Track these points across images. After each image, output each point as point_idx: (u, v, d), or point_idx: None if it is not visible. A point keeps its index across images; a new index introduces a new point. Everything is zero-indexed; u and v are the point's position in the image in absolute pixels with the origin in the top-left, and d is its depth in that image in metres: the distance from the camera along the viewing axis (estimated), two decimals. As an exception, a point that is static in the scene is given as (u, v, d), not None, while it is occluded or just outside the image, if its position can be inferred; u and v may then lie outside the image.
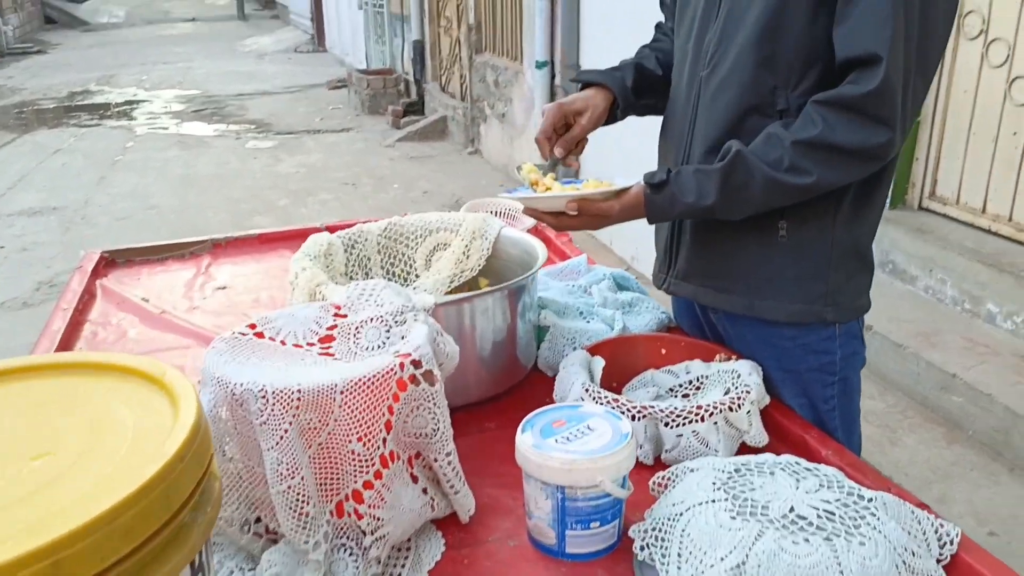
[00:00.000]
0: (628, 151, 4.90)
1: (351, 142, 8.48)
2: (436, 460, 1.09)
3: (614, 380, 1.47)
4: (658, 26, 1.65)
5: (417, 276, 1.66)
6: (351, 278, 1.60)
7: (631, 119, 1.60)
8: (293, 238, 2.26)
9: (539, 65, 5.67)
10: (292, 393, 0.97)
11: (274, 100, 10.86)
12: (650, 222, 1.35)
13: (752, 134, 1.28)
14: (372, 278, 1.62)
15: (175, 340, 1.73)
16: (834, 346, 1.38)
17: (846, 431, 1.43)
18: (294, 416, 0.97)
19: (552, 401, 1.41)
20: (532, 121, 6.06)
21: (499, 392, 1.47)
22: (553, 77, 5.70)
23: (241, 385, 0.99)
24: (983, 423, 2.48)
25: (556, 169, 1.51)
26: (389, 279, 1.65)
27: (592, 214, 1.33)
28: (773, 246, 1.34)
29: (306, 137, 8.75)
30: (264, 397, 0.97)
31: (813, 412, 1.41)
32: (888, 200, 1.25)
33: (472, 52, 7.52)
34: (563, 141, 1.48)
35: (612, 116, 1.53)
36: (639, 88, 1.52)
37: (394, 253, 1.66)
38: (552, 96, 5.76)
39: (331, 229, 2.25)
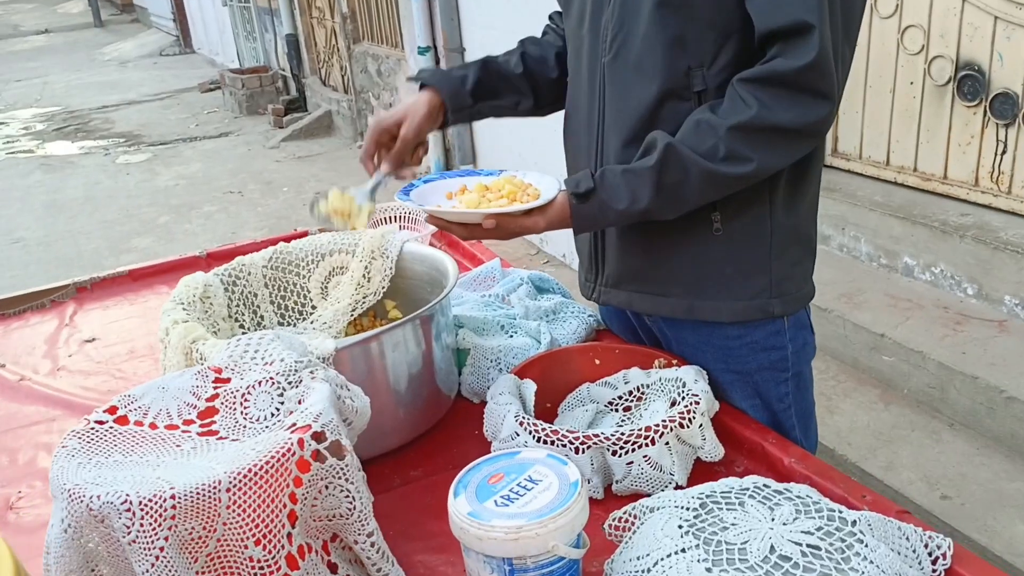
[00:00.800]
0: (531, 142, 4.77)
1: (232, 147, 8.05)
2: (356, 543, 0.92)
3: (548, 400, 1.33)
4: (551, 17, 1.50)
5: (314, 307, 1.46)
6: (237, 320, 1.39)
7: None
8: (170, 271, 2.02)
9: (422, 51, 5.46)
10: (165, 500, 0.78)
11: (143, 109, 10.23)
12: (577, 233, 1.22)
13: (670, 120, 1.15)
14: (261, 317, 1.42)
15: (38, 412, 1.49)
16: (784, 340, 1.27)
17: (803, 428, 1.33)
18: (171, 529, 0.78)
19: (481, 434, 1.25)
20: (420, 109, 5.84)
21: (422, 432, 1.30)
22: (438, 62, 5.50)
23: (99, 498, 0.79)
24: (917, 380, 2.47)
25: (378, 189, 1.35)
26: (282, 315, 1.45)
27: (510, 230, 1.18)
28: (708, 241, 1.22)
29: (182, 146, 8.26)
30: (129, 510, 0.78)
31: (767, 413, 1.30)
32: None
33: (350, 42, 7.22)
34: (390, 157, 1.33)
35: (446, 119, 1.37)
36: (484, 89, 1.37)
37: (284, 284, 1.46)
38: (438, 81, 5.56)
39: (212, 256, 2.04)
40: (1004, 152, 2.70)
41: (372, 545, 0.92)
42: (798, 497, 0.96)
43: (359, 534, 0.91)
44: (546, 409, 1.32)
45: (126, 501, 0.78)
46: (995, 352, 2.40)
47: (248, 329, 1.40)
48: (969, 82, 2.74)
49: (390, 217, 2.04)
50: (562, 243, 4.49)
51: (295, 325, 1.44)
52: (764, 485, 0.99)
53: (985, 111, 2.72)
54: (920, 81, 2.90)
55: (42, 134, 9.43)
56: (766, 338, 1.27)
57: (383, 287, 1.42)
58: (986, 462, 2.22)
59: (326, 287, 1.47)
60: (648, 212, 1.13)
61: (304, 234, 2.04)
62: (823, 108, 1.05)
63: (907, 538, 0.93)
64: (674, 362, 1.32)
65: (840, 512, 0.93)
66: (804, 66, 1.02)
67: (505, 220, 1.16)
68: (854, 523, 0.91)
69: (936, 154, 2.92)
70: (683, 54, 1.13)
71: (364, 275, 1.43)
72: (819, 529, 0.90)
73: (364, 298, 1.41)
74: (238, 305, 1.40)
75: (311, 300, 1.47)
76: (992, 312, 2.61)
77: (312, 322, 1.41)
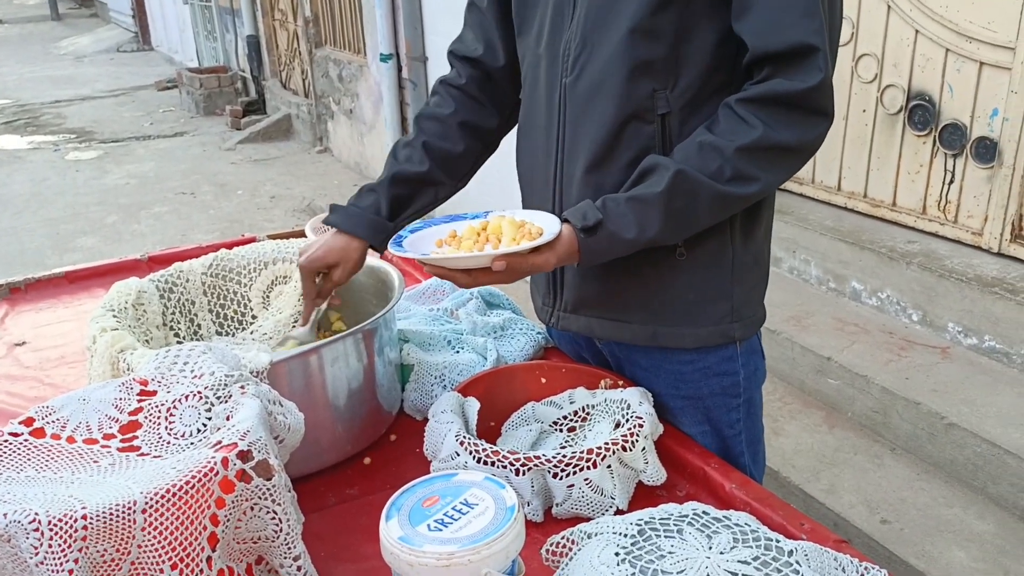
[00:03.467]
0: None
1: (187, 147, 7.89)
2: (282, 566, 0.89)
3: (491, 419, 1.31)
4: (451, 58, 1.42)
5: (255, 317, 1.42)
6: (172, 329, 1.35)
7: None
8: (109, 274, 1.95)
9: (383, 58, 5.42)
10: (76, 521, 0.74)
11: (96, 105, 9.99)
12: (585, 266, 1.15)
13: (633, 143, 1.14)
14: (199, 326, 1.38)
15: (-42, 418, 1.42)
16: (736, 366, 1.27)
17: (752, 453, 1.33)
18: (81, 550, 0.74)
19: (422, 453, 1.22)
20: (381, 115, 5.80)
21: (360, 449, 1.27)
22: (400, 70, 5.47)
23: (5, 516, 0.75)
24: (861, 404, 2.49)
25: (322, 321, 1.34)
26: (221, 323, 1.41)
27: (521, 271, 1.10)
28: (671, 267, 1.20)
29: (135, 144, 8.07)
30: (38, 530, 0.74)
31: (717, 439, 1.29)
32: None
33: (312, 46, 7.14)
34: (320, 298, 1.32)
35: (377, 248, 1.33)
36: (399, 205, 1.33)
37: (224, 292, 1.42)
38: (400, 90, 5.53)
39: (154, 260, 1.97)
40: (951, 182, 2.76)
41: (299, 569, 0.89)
42: (736, 525, 0.95)
43: (285, 557, 0.88)
44: (490, 428, 1.30)
45: (34, 520, 0.74)
46: (937, 378, 2.44)
47: (184, 338, 1.36)
48: (920, 112, 2.80)
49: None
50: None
51: (234, 335, 1.39)
52: (703, 512, 0.98)
53: (935, 141, 2.77)
54: (872, 109, 2.95)
55: (-10, 127, 9.17)
56: (719, 363, 1.26)
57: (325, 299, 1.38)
58: (926, 487, 2.25)
59: (267, 296, 1.43)
60: (655, 240, 1.10)
61: (252, 239, 1.99)
62: (823, 126, 1.07)
63: (843, 569, 0.93)
64: (620, 383, 1.30)
65: (777, 542, 0.92)
66: (811, 87, 1.02)
67: (515, 260, 1.08)
68: (791, 553, 0.90)
69: (886, 181, 2.97)
70: (647, 77, 1.11)
71: None
72: (756, 559, 0.89)
73: None
74: (174, 313, 1.35)
75: (251, 309, 1.43)
76: (936, 339, 2.65)
77: (252, 332, 1.37)
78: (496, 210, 1.22)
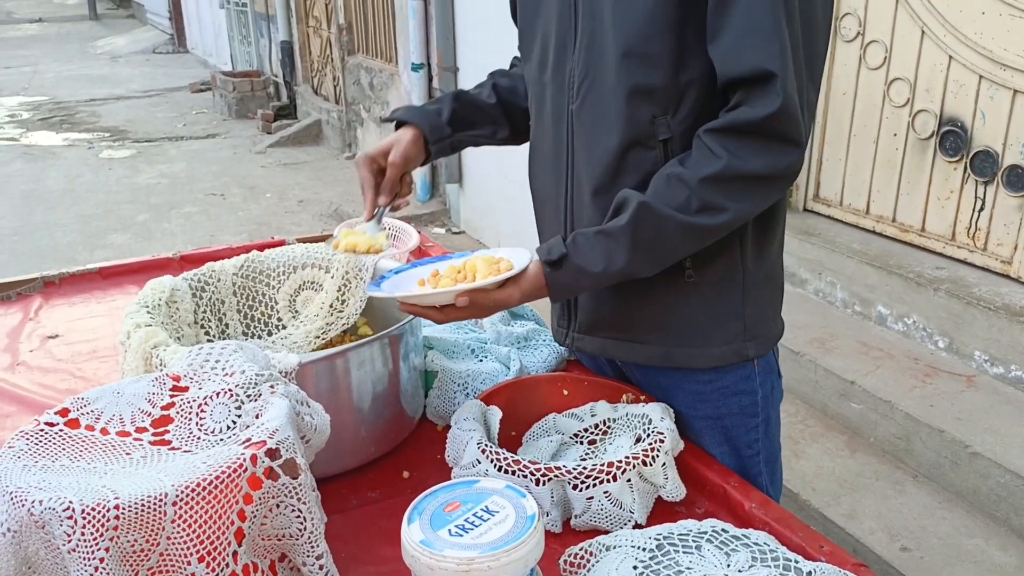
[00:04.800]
0: (518, 162, 4.78)
1: (218, 149, 8.00)
2: (304, 564, 0.90)
3: (513, 428, 1.32)
4: (515, 57, 1.49)
5: (280, 319, 1.44)
6: (203, 327, 1.37)
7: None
8: (141, 271, 1.99)
9: (415, 67, 5.47)
10: (108, 510, 0.76)
11: (131, 105, 10.16)
12: (554, 300, 1.19)
13: (636, 169, 1.15)
14: (227, 325, 1.40)
15: (-8, 407, 1.45)
16: (754, 385, 1.27)
17: (770, 473, 1.33)
18: (112, 540, 0.76)
19: (443, 459, 1.23)
20: (410, 125, 5.83)
21: (383, 453, 1.28)
22: (431, 80, 5.52)
23: (41, 503, 0.77)
24: (884, 430, 2.47)
25: (382, 222, 1.37)
26: (248, 324, 1.43)
27: (486, 306, 1.14)
28: (681, 289, 1.20)
29: (168, 144, 8.20)
30: (71, 517, 0.76)
31: (736, 459, 1.29)
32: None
33: (344, 53, 7.22)
34: (384, 187, 1.35)
35: (429, 152, 1.39)
36: (460, 119, 1.38)
37: (253, 294, 1.44)
38: (430, 99, 5.57)
39: (185, 259, 2.01)
40: (982, 209, 2.74)
41: (321, 568, 0.90)
42: (755, 544, 0.96)
43: (308, 556, 0.89)
44: (511, 437, 1.31)
45: (68, 508, 0.76)
46: (962, 407, 2.42)
47: (213, 337, 1.38)
48: (951, 138, 2.79)
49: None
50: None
51: (260, 337, 1.42)
52: (723, 530, 0.99)
53: (965, 167, 2.76)
54: (904, 133, 2.94)
55: (27, 123, 9.34)
56: (737, 383, 1.26)
57: (358, 312, 1.39)
58: (947, 516, 2.23)
59: (294, 300, 1.45)
60: (624, 273, 1.12)
61: (282, 243, 2.02)
62: (792, 154, 1.05)
63: (862, 593, 0.93)
64: (642, 398, 1.31)
65: (796, 562, 0.92)
66: (770, 114, 1.01)
67: (478, 296, 1.12)
68: (809, 574, 0.91)
69: (915, 206, 2.95)
70: (647, 103, 1.12)
71: (339, 298, 1.41)
72: (774, 579, 0.89)
73: (337, 322, 1.39)
74: (204, 312, 1.38)
75: (278, 312, 1.45)
76: (961, 366, 2.63)
77: (283, 339, 1.38)
78: (480, 251, 1.27)
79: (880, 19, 2.90)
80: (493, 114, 1.41)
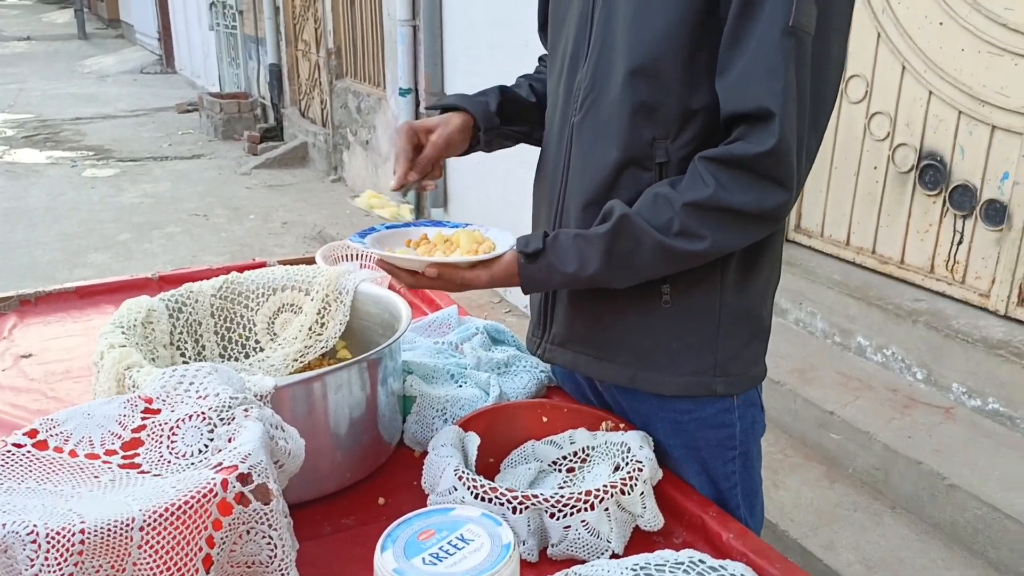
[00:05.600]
0: (501, 189, 4.79)
1: (203, 169, 7.98)
2: (275, 592, 0.88)
3: (491, 455, 1.30)
4: (541, 58, 1.52)
5: (258, 341, 1.43)
6: (179, 349, 1.35)
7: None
8: (119, 291, 1.97)
9: (403, 92, 5.50)
10: (73, 535, 0.74)
11: (117, 124, 10.13)
12: (525, 292, 1.20)
13: (630, 188, 1.15)
14: (203, 347, 1.39)
15: (-40, 427, 1.42)
16: (732, 418, 1.26)
17: (748, 506, 1.32)
18: (76, 565, 0.74)
19: (419, 485, 1.22)
20: (396, 149, 5.86)
21: (359, 479, 1.27)
22: (418, 104, 5.54)
23: (4, 526, 0.75)
24: (863, 461, 2.48)
25: (407, 196, 1.35)
26: (225, 346, 1.42)
27: (454, 281, 1.17)
28: (656, 313, 1.20)
29: (152, 164, 8.17)
30: (35, 542, 0.74)
31: (713, 490, 1.28)
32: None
33: (332, 77, 7.25)
34: (417, 165, 1.31)
35: (476, 141, 1.37)
36: (505, 112, 1.38)
37: (231, 316, 1.43)
38: (416, 124, 5.59)
39: (164, 280, 1.99)
40: (960, 242, 2.77)
41: (291, 596, 0.89)
42: (732, 576, 0.95)
43: (278, 583, 0.88)
44: (489, 464, 1.30)
45: (32, 532, 0.74)
46: (940, 439, 2.43)
47: (189, 359, 1.36)
48: (931, 172, 2.82)
49: (348, 255, 2.01)
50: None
51: (237, 359, 1.40)
52: (700, 561, 0.98)
53: (944, 201, 2.79)
54: (884, 166, 2.98)
55: (10, 140, 9.28)
56: (714, 415, 1.25)
57: (337, 335, 1.38)
58: (925, 548, 2.23)
59: (273, 323, 1.44)
60: (595, 279, 1.13)
61: (263, 264, 2.01)
62: (780, 196, 1.05)
63: (838, 626, 0.92)
64: (621, 426, 1.30)
65: (773, 594, 0.92)
66: (763, 152, 1.01)
67: (447, 270, 1.15)
68: (786, 607, 0.90)
69: (895, 238, 2.98)
70: (649, 124, 1.12)
71: (318, 321, 1.40)
72: (751, 611, 0.88)
73: (316, 345, 1.39)
74: (181, 333, 1.36)
75: (255, 334, 1.43)
76: (940, 398, 2.64)
77: (260, 361, 1.37)
78: (477, 224, 1.28)
79: (862, 55, 2.95)
80: (533, 113, 1.40)
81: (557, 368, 1.51)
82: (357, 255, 2.03)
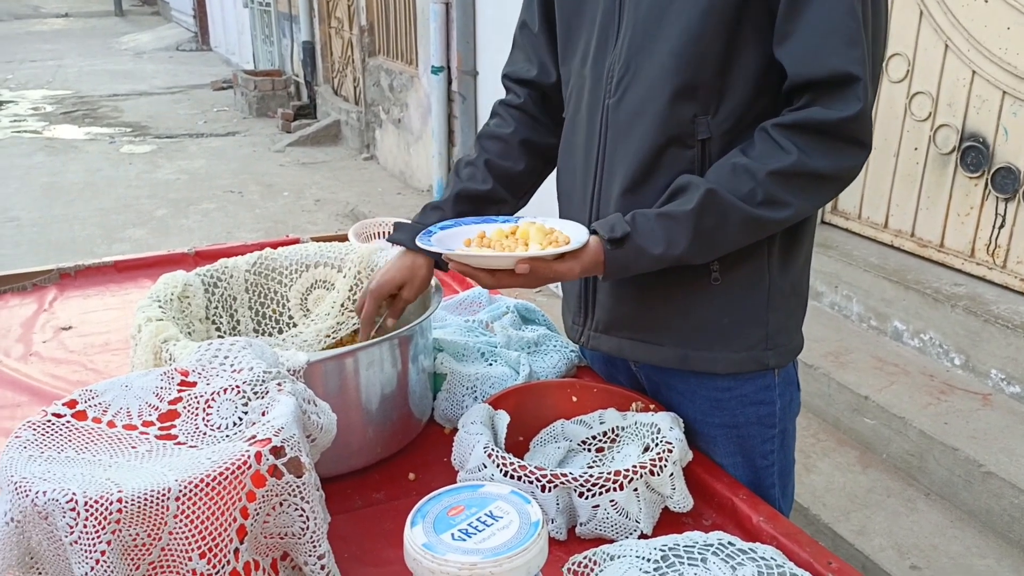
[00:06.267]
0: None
1: (237, 146, 8.04)
2: (306, 564, 0.90)
3: (520, 434, 1.31)
4: (505, 82, 1.43)
5: (291, 317, 1.44)
6: (214, 323, 1.37)
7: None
8: (156, 265, 2.00)
9: (435, 70, 5.48)
10: (111, 503, 0.76)
11: (153, 101, 10.24)
12: (607, 279, 1.15)
13: (671, 168, 1.14)
14: (238, 322, 1.40)
15: (4, 397, 1.46)
16: (773, 395, 1.25)
17: (782, 486, 1.31)
18: (114, 533, 0.76)
19: (449, 462, 1.23)
20: (429, 126, 5.86)
21: (389, 454, 1.28)
22: (450, 83, 5.52)
23: (44, 494, 0.77)
24: (897, 447, 2.44)
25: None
26: (259, 321, 1.43)
27: (545, 276, 1.11)
28: (705, 291, 1.19)
29: (188, 141, 8.25)
30: (74, 509, 0.76)
31: (749, 470, 1.28)
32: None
33: (365, 55, 7.25)
34: (393, 313, 1.34)
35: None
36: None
37: (265, 291, 1.44)
38: (449, 102, 5.58)
39: (200, 255, 2.02)
40: (1002, 226, 2.71)
41: (322, 568, 0.90)
42: (762, 559, 0.95)
43: (310, 555, 0.89)
44: (518, 442, 1.30)
45: (71, 500, 0.76)
46: (977, 425, 2.39)
47: (224, 333, 1.38)
48: (973, 153, 2.76)
49: (378, 232, 2.02)
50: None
51: (271, 334, 1.42)
52: (729, 543, 0.98)
53: (986, 184, 2.73)
54: (924, 148, 2.91)
55: (50, 116, 9.43)
56: (756, 392, 1.24)
57: None
58: (959, 535, 2.20)
59: (306, 299, 1.45)
60: (680, 258, 1.10)
61: (296, 241, 2.03)
62: (861, 156, 1.07)
63: (869, 611, 0.91)
64: (651, 407, 1.30)
65: (803, 578, 0.91)
66: (849, 117, 1.02)
67: (539, 265, 1.09)
68: (816, 591, 0.89)
69: (934, 221, 2.93)
70: (690, 102, 1.11)
71: (350, 297, 1.41)
72: (780, 594, 0.88)
73: (348, 321, 1.39)
74: (216, 307, 1.38)
75: (289, 310, 1.45)
76: (977, 384, 2.60)
77: (293, 337, 1.39)
78: (528, 217, 1.23)
79: (904, 33, 2.88)
80: (495, 197, 1.36)
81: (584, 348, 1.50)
82: (384, 233, 2.03)
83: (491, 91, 5.11)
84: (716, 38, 1.07)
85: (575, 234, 1.14)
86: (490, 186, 1.35)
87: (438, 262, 1.33)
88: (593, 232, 1.12)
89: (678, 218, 1.08)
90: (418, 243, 1.18)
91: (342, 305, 1.36)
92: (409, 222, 1.34)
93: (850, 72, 1.01)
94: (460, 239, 1.20)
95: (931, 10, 2.79)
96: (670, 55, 1.10)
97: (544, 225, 1.17)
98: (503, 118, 1.41)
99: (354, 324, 1.36)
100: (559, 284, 1.37)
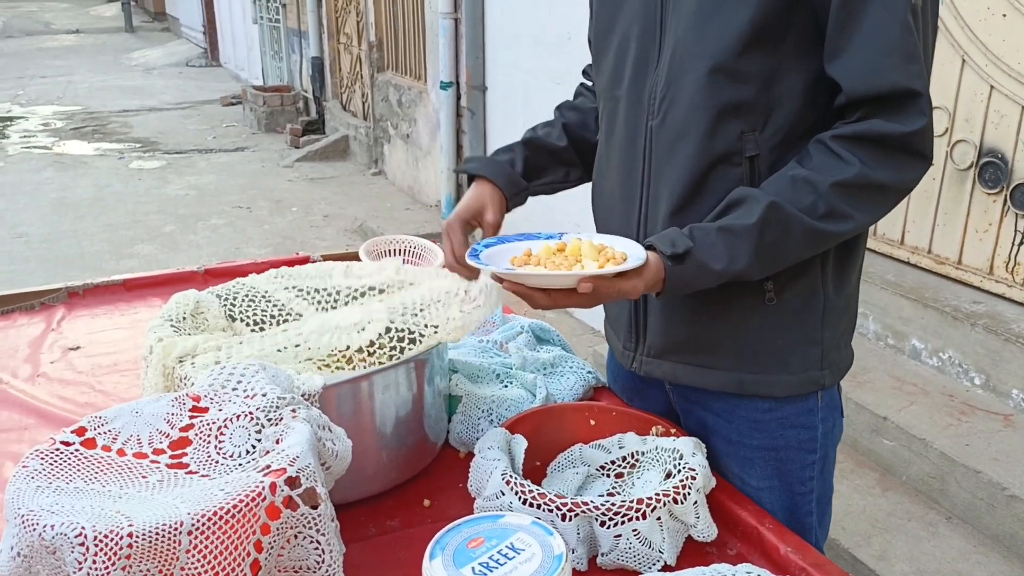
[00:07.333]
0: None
1: (246, 162, 8.06)
2: (322, 599, 0.86)
3: (537, 458, 1.28)
4: (585, 72, 1.45)
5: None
6: (242, 321, 1.33)
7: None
8: (165, 284, 1.98)
9: (444, 86, 5.48)
10: (121, 538, 0.73)
11: (162, 117, 10.28)
12: (666, 296, 1.10)
13: (718, 188, 1.11)
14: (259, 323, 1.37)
15: (11, 419, 1.43)
16: (815, 419, 1.21)
17: (820, 514, 1.27)
18: (124, 569, 0.73)
19: (465, 487, 1.20)
20: (437, 142, 5.85)
21: (404, 480, 1.24)
22: (459, 98, 5.52)
23: (52, 527, 0.74)
24: (918, 469, 2.40)
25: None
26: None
27: (607, 295, 1.05)
28: (759, 311, 1.16)
29: (197, 156, 8.27)
30: (83, 544, 0.73)
31: (786, 495, 1.23)
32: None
33: (374, 70, 7.27)
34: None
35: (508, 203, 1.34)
36: (533, 168, 1.34)
37: (284, 304, 1.41)
38: (458, 118, 5.58)
39: (210, 273, 1.99)
40: (1021, 243, 2.67)
41: (338, 602, 0.87)
42: (794, 594, 0.91)
43: (325, 589, 0.86)
44: (535, 467, 1.27)
45: (80, 534, 0.73)
46: (999, 447, 2.34)
47: (253, 328, 1.33)
48: (991, 169, 2.72)
49: (391, 250, 1.99)
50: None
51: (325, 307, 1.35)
52: (758, 575, 0.94)
53: (1005, 200, 2.69)
54: (941, 163, 2.88)
55: (59, 132, 9.47)
56: (798, 415, 1.20)
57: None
58: (983, 561, 2.15)
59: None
60: (743, 273, 1.06)
61: (306, 259, 2.00)
62: (922, 169, 1.05)
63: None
64: (672, 431, 1.27)
65: (838, 615, 0.87)
66: (915, 131, 1.01)
67: (602, 283, 1.04)
68: (853, 628, 0.86)
69: (952, 238, 2.89)
70: (735, 119, 1.09)
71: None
72: (815, 632, 0.84)
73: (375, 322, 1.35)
74: (242, 306, 1.33)
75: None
76: (999, 405, 2.55)
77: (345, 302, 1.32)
78: (570, 232, 1.19)
79: (919, 47, 2.85)
80: (566, 157, 1.36)
81: (612, 365, 1.47)
82: (400, 250, 2.01)
83: (500, 106, 5.10)
84: (759, 55, 1.05)
85: (630, 250, 1.09)
86: (564, 143, 1.36)
87: (507, 197, 1.30)
88: (649, 248, 1.08)
89: (740, 232, 1.04)
90: (468, 260, 1.13)
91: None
92: (479, 155, 1.35)
93: (913, 88, 1.00)
94: (505, 258, 1.14)
95: (948, 24, 2.76)
96: (712, 73, 1.07)
97: (592, 241, 1.12)
98: (585, 97, 1.42)
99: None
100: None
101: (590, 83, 1.43)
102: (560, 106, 1.43)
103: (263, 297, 1.35)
